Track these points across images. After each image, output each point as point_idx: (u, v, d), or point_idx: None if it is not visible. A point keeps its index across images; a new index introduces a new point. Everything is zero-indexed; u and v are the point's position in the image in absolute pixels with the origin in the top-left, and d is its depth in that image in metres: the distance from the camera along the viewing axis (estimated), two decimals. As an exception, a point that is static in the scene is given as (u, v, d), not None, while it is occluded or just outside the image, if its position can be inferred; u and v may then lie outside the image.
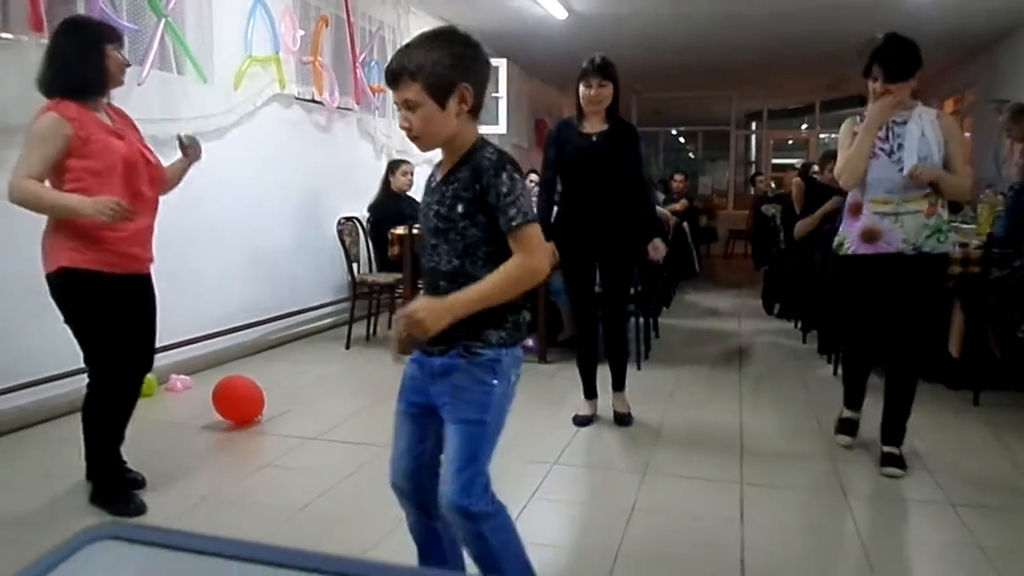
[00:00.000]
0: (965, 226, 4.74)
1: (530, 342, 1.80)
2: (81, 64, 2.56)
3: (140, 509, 2.63)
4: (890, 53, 3.04)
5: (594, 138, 3.53)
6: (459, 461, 1.70)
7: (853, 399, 3.44)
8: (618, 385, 3.79)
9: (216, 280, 4.67)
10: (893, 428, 3.19)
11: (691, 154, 16.67)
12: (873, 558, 2.41)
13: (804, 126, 15.02)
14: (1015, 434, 3.61)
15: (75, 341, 2.61)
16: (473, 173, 1.68)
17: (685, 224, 8.12)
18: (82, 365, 2.69)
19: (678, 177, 9.19)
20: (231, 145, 4.76)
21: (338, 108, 5.96)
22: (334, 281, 5.95)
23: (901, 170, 2.97)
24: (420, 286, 5.03)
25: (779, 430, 3.69)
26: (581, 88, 3.53)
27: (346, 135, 6.24)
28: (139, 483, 2.81)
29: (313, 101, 5.68)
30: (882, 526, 2.71)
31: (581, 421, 3.67)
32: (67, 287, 2.54)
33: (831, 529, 2.64)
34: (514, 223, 1.65)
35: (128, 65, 2.71)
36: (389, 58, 6.27)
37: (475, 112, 1.72)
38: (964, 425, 3.75)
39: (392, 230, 5.22)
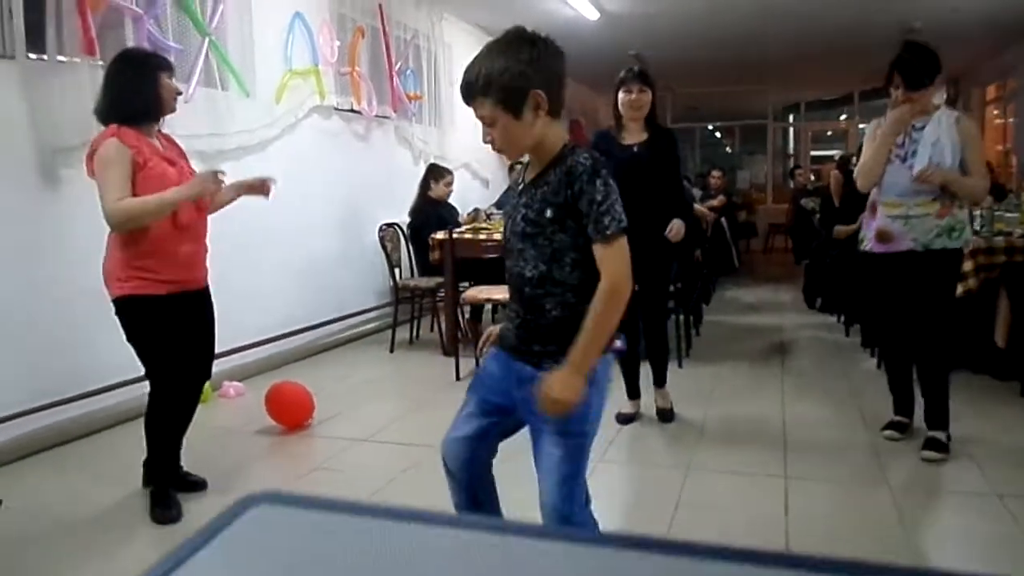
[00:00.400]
0: (1009, 215, 4.67)
1: (618, 343, 1.81)
2: (135, 93, 2.68)
3: (175, 518, 2.70)
4: (910, 63, 3.11)
5: (635, 148, 3.56)
6: (562, 472, 1.70)
7: (902, 405, 3.45)
8: (659, 381, 3.82)
9: (263, 289, 4.80)
10: (934, 414, 3.23)
11: (728, 149, 16.55)
12: (920, 551, 2.42)
13: (843, 116, 14.82)
14: (1065, 424, 3.57)
15: (135, 354, 2.74)
16: (565, 178, 1.65)
17: (723, 220, 8.10)
18: (137, 375, 2.81)
19: (715, 173, 9.15)
20: (274, 157, 4.90)
21: (376, 117, 6.08)
22: (377, 286, 6.07)
23: (913, 176, 3.04)
24: (461, 288, 5.11)
25: (822, 423, 3.69)
26: (620, 95, 3.56)
27: (384, 143, 6.36)
28: (201, 485, 2.92)
29: (352, 111, 5.80)
30: (928, 518, 2.71)
31: (624, 419, 3.71)
32: (124, 313, 2.68)
33: (876, 521, 2.65)
34: (608, 231, 1.63)
35: (180, 93, 2.84)
36: (424, 65, 6.35)
37: (555, 113, 1.70)
38: (1011, 415, 3.72)
39: (432, 235, 5.30)
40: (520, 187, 1.80)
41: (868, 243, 3.27)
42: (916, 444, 3.26)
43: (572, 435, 1.71)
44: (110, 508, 2.83)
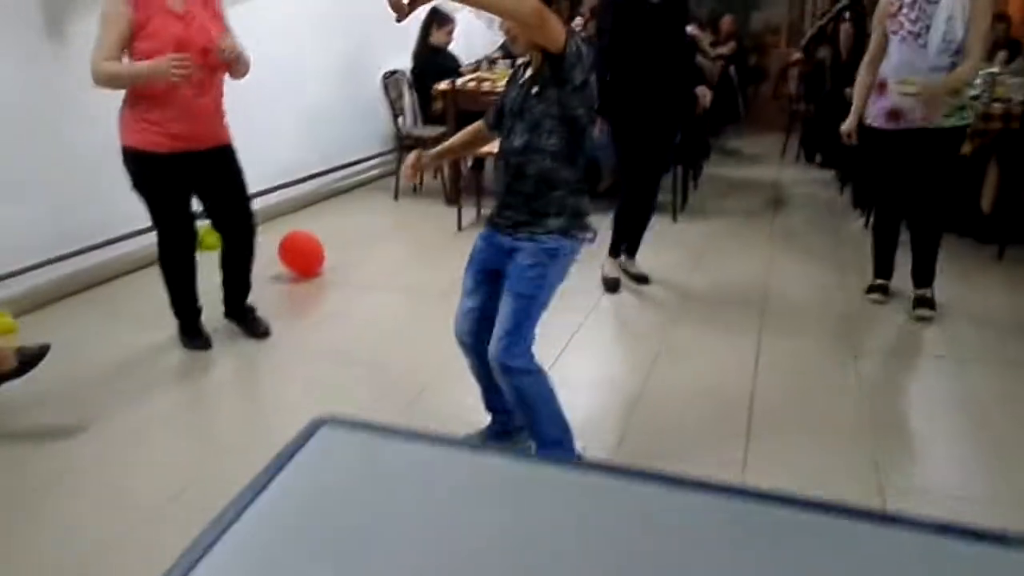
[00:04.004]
0: (1012, 80, 4.65)
1: (590, 235, 2.13)
2: None
3: (204, 345, 3.08)
4: None
5: (655, 1, 3.51)
6: (505, 326, 2.00)
7: (885, 268, 3.63)
8: (633, 251, 3.92)
9: (267, 137, 4.85)
10: (921, 270, 3.41)
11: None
12: (874, 406, 2.70)
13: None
14: (1030, 290, 3.80)
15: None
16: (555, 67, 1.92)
17: (732, 68, 7.96)
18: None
19: (727, 19, 8.89)
20: (272, 2, 4.82)
21: (379, -46, 5.87)
22: (381, 133, 6.11)
23: (926, 52, 3.07)
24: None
25: (803, 284, 3.90)
26: None
27: (387, -18, 6.17)
28: (264, 333, 3.19)
29: (354, -52, 5.60)
30: (887, 378, 2.98)
31: (611, 284, 3.78)
32: (128, 162, 2.83)
33: (837, 379, 2.91)
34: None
35: None
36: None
37: (567, 21, 1.98)
38: (984, 281, 3.90)
39: (435, 85, 5.30)
40: (520, 81, 2.03)
41: (876, 120, 3.32)
42: (890, 308, 3.50)
43: (522, 296, 2.00)
44: (146, 344, 3.11)
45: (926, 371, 3.07)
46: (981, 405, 2.69)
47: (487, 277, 2.12)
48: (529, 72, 2.00)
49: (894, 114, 3.23)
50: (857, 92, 3.46)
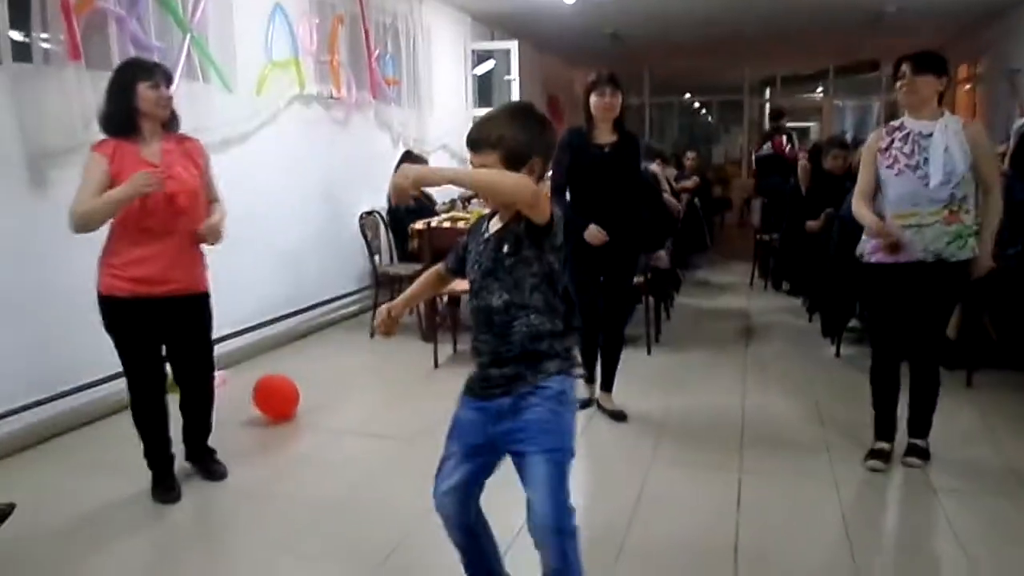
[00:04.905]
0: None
1: (578, 371, 2.08)
2: (111, 104, 2.83)
3: (175, 498, 3.01)
4: (916, 54, 3.12)
5: (606, 149, 3.72)
6: (550, 487, 1.88)
7: (886, 429, 3.36)
8: (607, 385, 3.94)
9: (246, 276, 4.91)
10: (919, 419, 3.27)
11: (709, 118, 16.63)
12: (854, 542, 2.65)
13: (819, 90, 14.97)
14: (1001, 416, 3.83)
15: None
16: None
17: (697, 200, 8.26)
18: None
19: (690, 155, 9.29)
20: (256, 148, 5.00)
21: (355, 103, 6.15)
22: (357, 270, 6.20)
23: (927, 184, 3.02)
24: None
25: (780, 417, 3.91)
26: (593, 98, 3.71)
27: (364, 128, 6.43)
28: (222, 475, 3.17)
29: (331, 98, 5.87)
30: (866, 512, 2.95)
31: (580, 404, 3.79)
32: (100, 308, 2.89)
33: (819, 516, 2.87)
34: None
35: (168, 98, 2.90)
36: (403, 49, 6.41)
37: (539, 180, 1.92)
38: (955, 407, 3.89)
39: (412, 225, 5.44)
40: (485, 235, 1.97)
41: (872, 255, 3.22)
42: (864, 437, 3.50)
43: (556, 451, 1.90)
44: (117, 495, 3.02)
45: (908, 505, 3.04)
46: (966, 539, 2.65)
47: (476, 451, 1.99)
48: (497, 226, 1.95)
49: (894, 248, 3.12)
50: (863, 213, 3.23)
